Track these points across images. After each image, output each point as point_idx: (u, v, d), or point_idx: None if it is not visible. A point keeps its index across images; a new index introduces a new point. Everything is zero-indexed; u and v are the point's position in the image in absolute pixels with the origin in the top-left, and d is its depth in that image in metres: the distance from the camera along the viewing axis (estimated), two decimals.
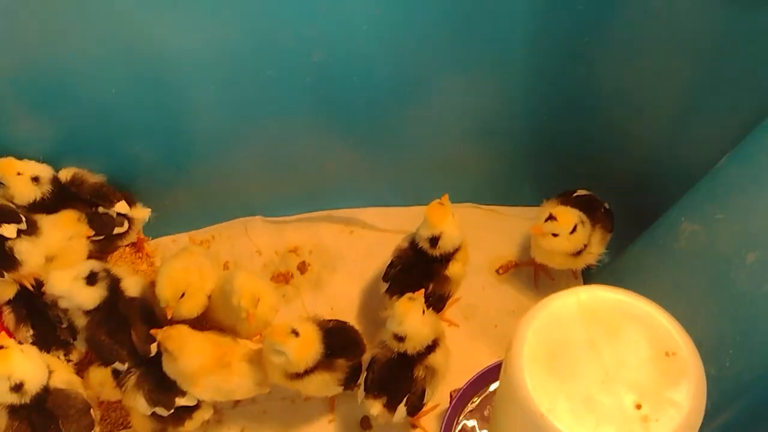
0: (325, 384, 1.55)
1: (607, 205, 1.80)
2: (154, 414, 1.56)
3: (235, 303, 1.52)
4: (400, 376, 1.54)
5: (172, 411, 1.55)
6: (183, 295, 1.55)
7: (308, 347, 1.49)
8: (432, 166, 2.01)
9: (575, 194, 1.79)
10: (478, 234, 2.01)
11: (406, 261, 1.69)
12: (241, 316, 1.54)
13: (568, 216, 1.66)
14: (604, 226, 1.75)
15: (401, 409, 1.53)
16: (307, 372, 1.51)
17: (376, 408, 1.53)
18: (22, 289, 1.57)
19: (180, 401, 1.55)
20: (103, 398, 1.63)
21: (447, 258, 1.66)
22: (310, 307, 1.91)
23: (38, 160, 1.62)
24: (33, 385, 1.41)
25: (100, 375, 1.58)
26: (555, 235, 1.65)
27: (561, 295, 1.08)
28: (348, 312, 1.89)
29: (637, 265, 1.67)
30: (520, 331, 1.06)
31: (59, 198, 1.63)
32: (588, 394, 1.00)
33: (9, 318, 1.57)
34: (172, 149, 1.78)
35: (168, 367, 1.53)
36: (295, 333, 1.47)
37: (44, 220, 1.59)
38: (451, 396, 1.67)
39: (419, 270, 1.67)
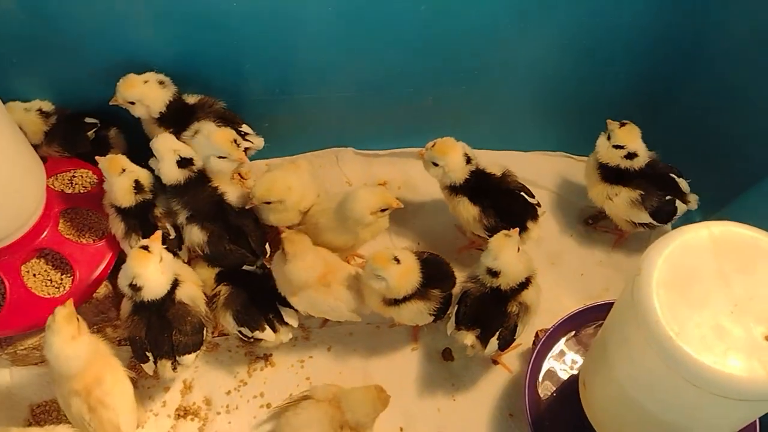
0: (418, 313, 1.58)
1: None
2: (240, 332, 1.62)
3: (358, 214, 1.58)
4: (493, 311, 1.56)
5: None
6: (277, 202, 1.61)
7: (408, 275, 1.52)
8: (526, 112, 2.00)
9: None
10: (568, 183, 2.03)
11: None
12: (365, 221, 1.60)
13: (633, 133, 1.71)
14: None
15: (493, 342, 1.55)
16: (404, 299, 1.55)
17: (469, 339, 1.56)
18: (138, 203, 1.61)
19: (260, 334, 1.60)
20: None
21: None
22: (397, 240, 1.93)
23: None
24: (149, 293, 1.47)
25: (205, 274, 1.66)
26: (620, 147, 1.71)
27: (693, 228, 1.09)
28: (433, 248, 1.91)
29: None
30: (649, 258, 1.07)
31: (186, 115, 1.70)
32: (717, 322, 1.00)
33: (118, 227, 1.62)
34: (279, 77, 1.81)
35: (277, 269, 1.58)
36: (397, 260, 1.51)
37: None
38: (537, 335, 1.69)
39: None
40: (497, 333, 1.56)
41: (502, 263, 1.52)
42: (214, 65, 1.73)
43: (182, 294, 1.52)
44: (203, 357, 1.73)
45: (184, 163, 1.59)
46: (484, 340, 1.56)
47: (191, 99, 1.73)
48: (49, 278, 1.61)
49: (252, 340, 1.62)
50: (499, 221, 1.69)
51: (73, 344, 1.39)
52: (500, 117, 2.01)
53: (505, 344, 1.58)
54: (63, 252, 1.61)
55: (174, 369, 1.54)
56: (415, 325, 1.69)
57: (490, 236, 1.66)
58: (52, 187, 1.69)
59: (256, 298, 1.62)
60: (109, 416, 1.43)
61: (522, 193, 1.72)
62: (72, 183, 1.76)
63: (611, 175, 1.75)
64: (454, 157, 1.67)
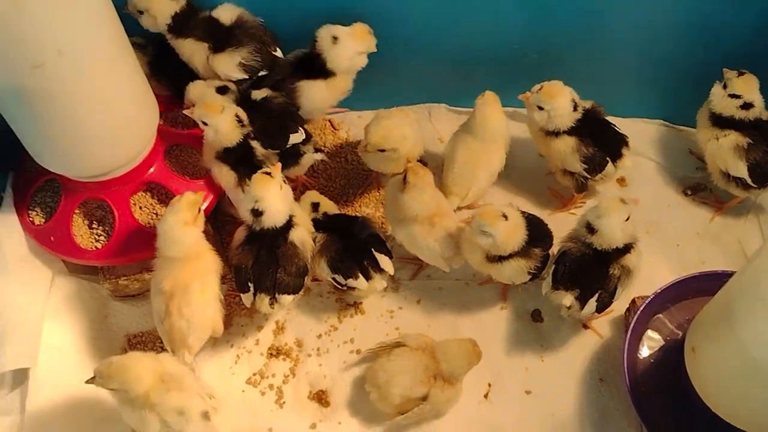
0: (519, 270, 1.57)
1: None
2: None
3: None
4: (594, 272, 1.54)
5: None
6: (390, 150, 1.61)
7: (515, 231, 1.51)
8: (627, 76, 1.95)
9: None
10: (667, 151, 1.98)
11: None
12: None
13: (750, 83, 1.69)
14: None
15: (591, 303, 1.54)
16: (507, 257, 1.54)
17: (567, 299, 1.54)
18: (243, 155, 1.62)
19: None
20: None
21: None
22: (489, 199, 1.91)
23: None
24: (268, 220, 1.48)
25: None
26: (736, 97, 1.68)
27: None
28: (524, 208, 1.89)
29: None
30: None
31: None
32: None
33: (229, 176, 1.61)
34: (385, 31, 1.79)
35: (390, 195, 1.60)
36: (505, 217, 1.49)
37: None
38: (634, 302, 1.66)
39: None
40: (596, 294, 1.54)
41: (604, 224, 1.50)
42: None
43: (295, 236, 1.53)
44: (295, 300, 1.76)
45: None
46: (582, 301, 1.54)
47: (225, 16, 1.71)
48: (155, 212, 1.64)
49: (345, 287, 1.63)
50: (597, 150, 1.69)
51: (183, 229, 1.43)
52: (600, 79, 1.95)
53: (602, 307, 1.56)
54: (169, 187, 1.64)
55: (271, 305, 1.55)
56: (508, 283, 1.68)
57: (587, 170, 1.67)
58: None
59: (351, 246, 1.62)
60: (181, 326, 1.46)
61: (611, 124, 1.74)
62: (177, 121, 1.78)
63: (723, 123, 1.71)
64: (563, 101, 1.65)
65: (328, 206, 1.69)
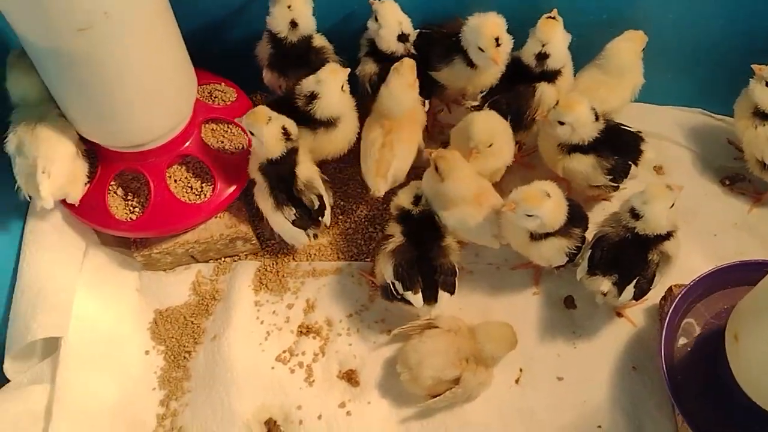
0: (558, 250, 1.55)
1: None
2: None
3: None
4: (633, 257, 1.51)
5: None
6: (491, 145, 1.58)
7: (560, 206, 1.49)
8: (666, 62, 1.91)
9: None
10: (705, 140, 1.95)
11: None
12: None
13: None
14: None
15: (629, 290, 1.51)
16: (550, 234, 1.52)
17: (605, 285, 1.52)
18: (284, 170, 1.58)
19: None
20: None
21: None
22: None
23: None
24: None
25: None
26: None
27: None
28: None
29: None
30: None
31: None
32: None
33: (266, 199, 1.59)
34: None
35: (428, 187, 1.58)
36: (548, 194, 1.47)
37: None
38: (671, 290, 1.64)
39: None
40: (635, 281, 1.51)
41: (650, 210, 1.47)
42: None
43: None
44: (326, 280, 1.75)
45: (403, 38, 1.65)
46: (620, 287, 1.52)
47: None
48: (189, 185, 1.64)
49: (399, 297, 1.57)
50: (617, 158, 1.64)
51: (407, 90, 1.59)
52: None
53: (640, 294, 1.53)
54: (205, 160, 1.63)
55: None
56: (543, 266, 1.65)
57: (613, 179, 1.63)
58: None
59: (424, 264, 1.57)
60: (387, 158, 1.62)
61: (620, 125, 1.68)
62: (212, 96, 1.77)
63: (763, 114, 1.69)
64: (583, 111, 1.58)
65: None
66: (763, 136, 1.69)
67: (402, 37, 1.66)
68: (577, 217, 1.57)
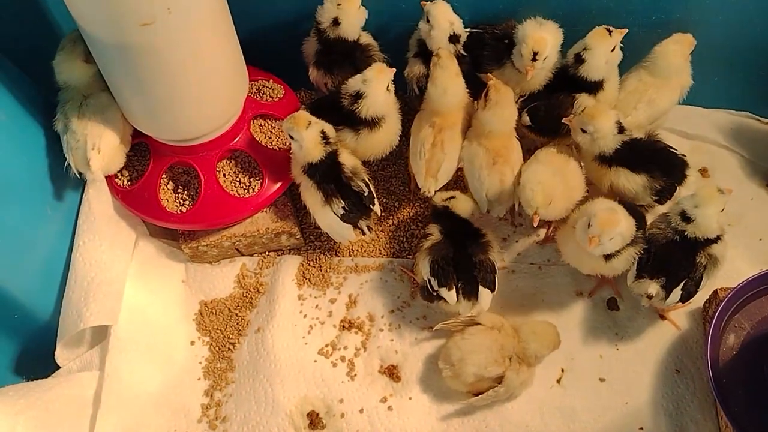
0: (629, 259, 1.53)
1: None
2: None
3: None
4: (681, 259, 1.51)
5: None
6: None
7: (630, 219, 1.48)
8: (714, 64, 1.89)
9: None
10: (753, 144, 1.93)
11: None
12: None
13: None
14: None
15: (676, 292, 1.50)
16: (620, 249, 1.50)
17: (653, 288, 1.51)
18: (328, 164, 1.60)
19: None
20: None
21: None
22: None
23: None
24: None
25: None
26: None
27: None
28: None
29: None
30: None
31: None
32: None
33: (315, 195, 1.60)
34: None
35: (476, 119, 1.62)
36: (615, 211, 1.46)
37: None
38: (716, 293, 1.62)
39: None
40: (682, 283, 1.50)
41: (702, 214, 1.47)
42: None
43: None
44: (368, 275, 1.77)
45: (454, 39, 1.65)
46: (667, 289, 1.51)
47: None
48: (238, 179, 1.67)
49: (435, 294, 1.58)
50: (668, 180, 1.61)
51: (454, 79, 1.60)
52: None
53: (687, 296, 1.52)
54: (254, 155, 1.66)
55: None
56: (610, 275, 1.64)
57: (658, 200, 1.61)
58: None
59: (461, 260, 1.58)
60: (438, 157, 1.62)
61: (670, 148, 1.64)
62: (260, 93, 1.80)
63: None
64: (605, 122, 1.56)
65: (462, 206, 1.65)
66: None
67: (453, 38, 1.66)
68: (637, 219, 1.53)
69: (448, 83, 1.60)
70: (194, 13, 1.30)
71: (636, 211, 1.56)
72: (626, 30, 1.63)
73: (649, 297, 1.53)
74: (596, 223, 1.43)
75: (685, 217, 1.49)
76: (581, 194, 1.62)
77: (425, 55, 1.69)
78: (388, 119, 1.65)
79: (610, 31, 1.61)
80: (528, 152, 1.87)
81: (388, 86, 1.60)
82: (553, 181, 1.56)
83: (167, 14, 1.24)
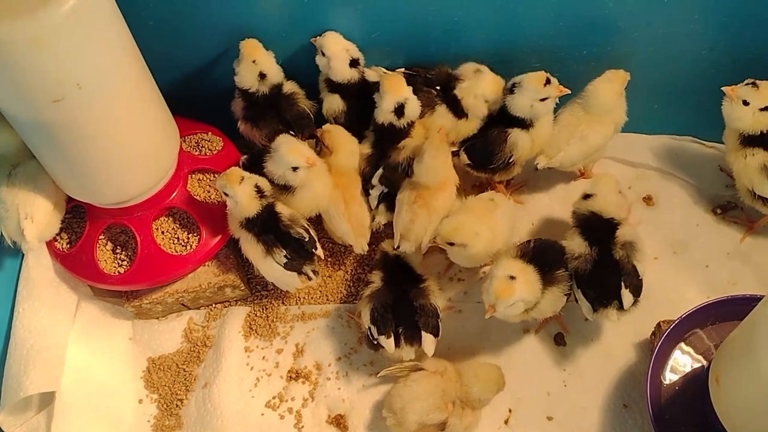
0: (556, 299, 1.53)
1: None
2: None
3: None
4: (606, 270, 1.50)
5: None
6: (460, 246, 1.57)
7: (531, 281, 1.47)
8: (654, 92, 1.90)
9: None
10: (696, 169, 1.93)
11: None
12: None
13: None
14: None
15: (626, 294, 1.48)
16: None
17: (612, 315, 1.50)
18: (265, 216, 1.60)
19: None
20: None
21: None
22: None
23: None
24: None
25: None
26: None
27: None
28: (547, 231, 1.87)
29: None
30: None
31: None
32: None
33: (255, 248, 1.60)
34: None
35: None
36: (512, 278, 1.44)
37: None
38: (659, 326, 1.62)
39: None
40: (623, 285, 1.48)
41: (600, 195, 1.56)
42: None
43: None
44: (315, 324, 1.77)
45: (354, 63, 1.68)
46: (618, 300, 1.49)
47: None
48: (176, 236, 1.67)
49: (375, 342, 1.58)
50: None
51: (443, 160, 1.61)
52: (627, 95, 1.91)
53: (637, 290, 1.50)
54: (191, 211, 1.67)
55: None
56: (552, 315, 1.64)
57: None
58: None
59: (401, 306, 1.58)
60: (425, 224, 1.62)
61: None
62: (198, 146, 1.81)
63: (754, 141, 1.65)
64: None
65: (413, 256, 1.67)
66: (752, 166, 1.66)
67: (353, 63, 1.68)
68: (552, 260, 1.54)
69: (439, 166, 1.61)
70: (106, 86, 1.30)
71: (551, 248, 1.56)
72: (568, 91, 1.65)
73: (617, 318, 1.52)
74: (491, 291, 1.43)
75: (585, 195, 1.57)
76: (503, 243, 1.63)
77: (335, 87, 1.72)
78: (308, 187, 1.64)
79: (548, 81, 1.63)
80: (474, 188, 1.91)
81: (307, 159, 1.59)
82: (474, 224, 1.57)
83: (77, 90, 1.25)
